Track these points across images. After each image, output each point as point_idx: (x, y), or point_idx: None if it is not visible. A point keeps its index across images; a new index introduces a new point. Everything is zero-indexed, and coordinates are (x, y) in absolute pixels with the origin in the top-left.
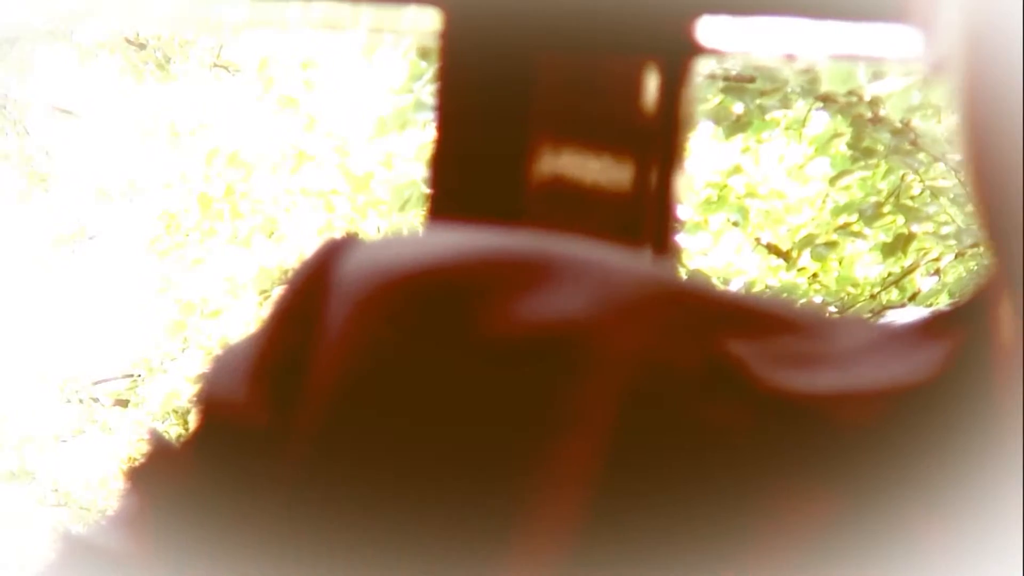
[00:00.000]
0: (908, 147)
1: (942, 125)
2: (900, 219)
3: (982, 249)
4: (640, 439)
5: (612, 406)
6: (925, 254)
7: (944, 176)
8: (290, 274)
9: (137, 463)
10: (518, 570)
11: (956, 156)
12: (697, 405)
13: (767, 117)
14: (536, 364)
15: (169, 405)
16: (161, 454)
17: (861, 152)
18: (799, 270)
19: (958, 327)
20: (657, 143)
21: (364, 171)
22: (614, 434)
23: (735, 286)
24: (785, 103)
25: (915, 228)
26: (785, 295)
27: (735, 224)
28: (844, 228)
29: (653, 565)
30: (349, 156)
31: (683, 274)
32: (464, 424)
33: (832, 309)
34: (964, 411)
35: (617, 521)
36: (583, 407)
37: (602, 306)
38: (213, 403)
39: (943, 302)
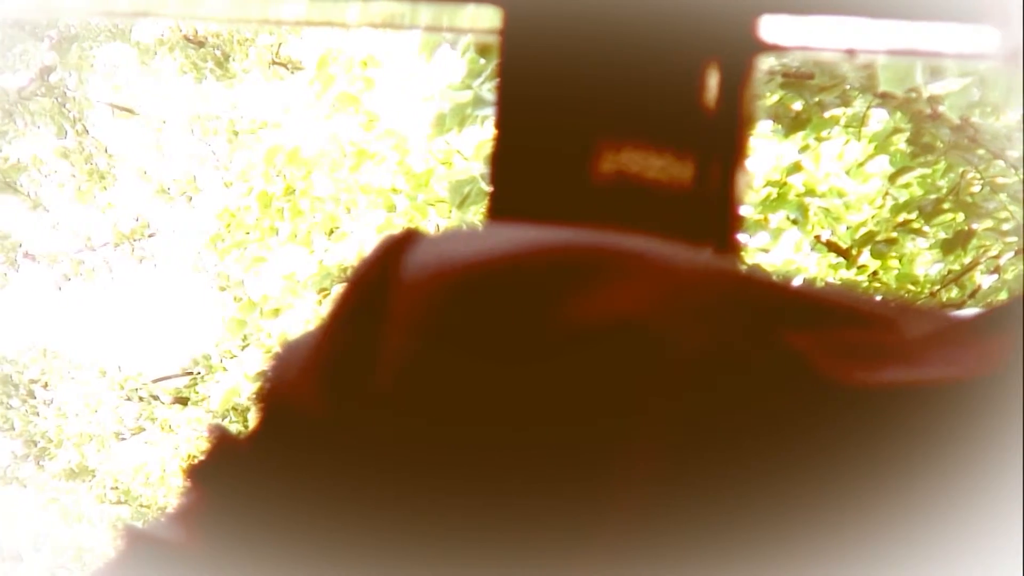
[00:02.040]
0: (967, 143)
1: (1001, 121)
2: (960, 216)
3: None
4: (706, 431)
5: (678, 399)
6: (985, 251)
7: (1004, 173)
8: (351, 271)
9: (199, 458)
10: (590, 561)
11: (1016, 152)
12: (761, 397)
13: (826, 115)
14: (602, 357)
15: (229, 403)
16: (223, 449)
17: (920, 148)
18: (859, 268)
19: (1016, 322)
20: (718, 141)
21: (424, 168)
22: (680, 427)
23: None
24: (844, 100)
25: (975, 225)
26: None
27: (795, 222)
28: (904, 225)
29: (720, 555)
30: (409, 154)
31: (745, 269)
32: (530, 418)
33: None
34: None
35: (683, 512)
36: (649, 400)
37: (667, 300)
38: (275, 400)
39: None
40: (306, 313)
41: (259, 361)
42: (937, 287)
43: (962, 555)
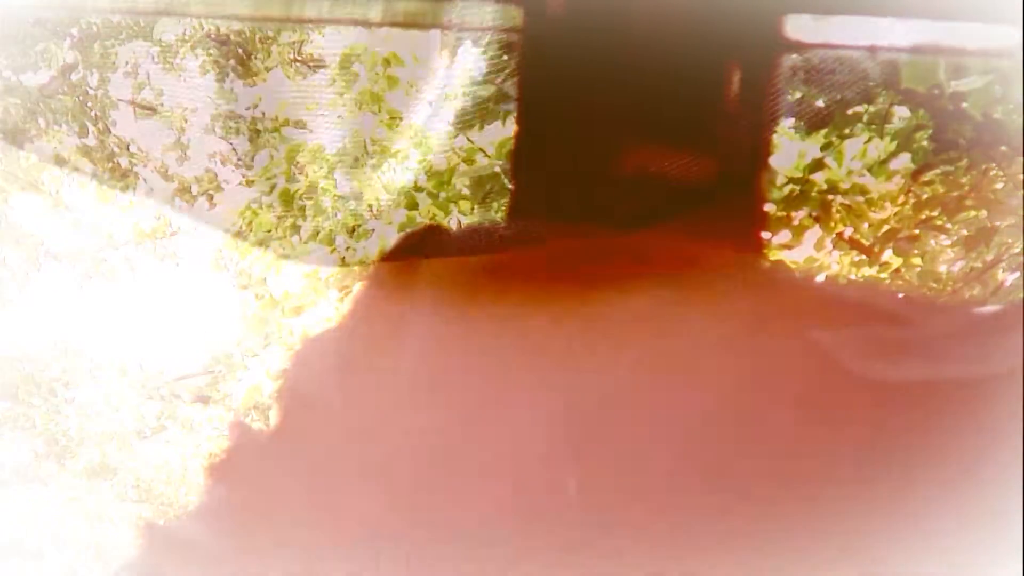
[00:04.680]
0: (990, 140)
1: None
2: (982, 213)
3: None
4: (724, 420)
5: (699, 390)
6: (1008, 248)
7: None
8: (373, 267)
9: (221, 456)
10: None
11: None
12: (780, 390)
13: (849, 112)
14: (623, 349)
15: (251, 401)
16: (245, 447)
17: (943, 145)
18: (881, 265)
19: None
20: (741, 138)
21: (446, 166)
22: (699, 417)
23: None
24: (867, 97)
25: (997, 222)
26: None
27: (817, 219)
28: (926, 223)
29: (732, 541)
30: (431, 151)
31: (768, 267)
32: (555, 411)
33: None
34: None
35: (698, 500)
36: (676, 397)
37: (690, 295)
38: (296, 397)
39: None
40: (328, 311)
41: (281, 359)
42: (959, 284)
43: (980, 547)
